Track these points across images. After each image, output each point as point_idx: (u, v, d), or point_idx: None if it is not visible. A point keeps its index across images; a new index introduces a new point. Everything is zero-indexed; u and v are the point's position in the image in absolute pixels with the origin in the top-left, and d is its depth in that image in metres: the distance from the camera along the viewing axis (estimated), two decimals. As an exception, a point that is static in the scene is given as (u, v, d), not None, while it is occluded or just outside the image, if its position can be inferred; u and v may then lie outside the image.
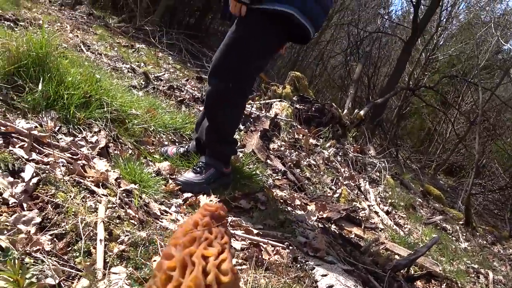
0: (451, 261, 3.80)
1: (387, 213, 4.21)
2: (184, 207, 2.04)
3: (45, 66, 2.20)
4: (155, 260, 1.40)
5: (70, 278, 1.23)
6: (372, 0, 15.15)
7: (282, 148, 4.06)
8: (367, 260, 2.38)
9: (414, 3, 10.98)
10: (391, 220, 3.99)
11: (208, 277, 0.59)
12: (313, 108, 5.52)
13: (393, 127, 13.32)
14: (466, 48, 14.34)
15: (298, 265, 1.88)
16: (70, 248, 1.32)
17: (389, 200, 4.80)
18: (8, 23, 3.92)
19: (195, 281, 0.59)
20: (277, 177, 3.24)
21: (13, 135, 1.69)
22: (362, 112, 7.36)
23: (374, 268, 2.32)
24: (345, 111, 7.29)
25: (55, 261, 1.25)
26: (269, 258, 1.84)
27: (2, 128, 1.70)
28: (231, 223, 2.03)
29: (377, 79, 13.82)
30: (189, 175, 2.33)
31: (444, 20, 13.99)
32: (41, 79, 2.15)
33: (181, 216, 1.91)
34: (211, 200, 2.17)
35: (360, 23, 14.02)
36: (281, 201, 2.75)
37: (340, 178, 4.27)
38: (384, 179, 5.30)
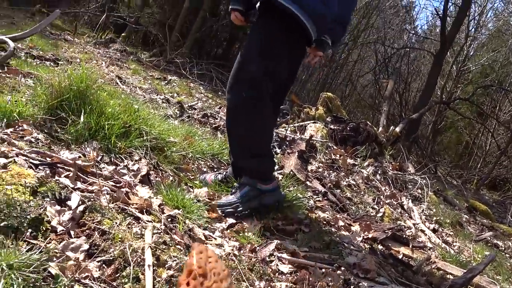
0: (509, 279, 3.55)
1: (434, 231, 4.01)
2: (228, 231, 2.00)
3: (86, 99, 2.26)
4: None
5: (121, 305, 1.20)
6: (397, 16, 15.10)
7: (320, 170, 3.98)
8: (421, 280, 2.25)
9: (441, 15, 10.85)
10: (439, 238, 3.80)
11: None
12: (348, 128, 5.43)
13: (429, 143, 12.96)
14: (498, 56, 13.94)
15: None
16: (118, 274, 1.30)
17: (434, 218, 4.59)
18: (49, 62, 4.11)
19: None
20: (317, 199, 3.16)
21: (58, 165, 1.72)
22: (398, 129, 7.19)
23: (429, 288, 2.18)
24: (380, 128, 7.15)
25: (104, 287, 1.23)
26: (319, 281, 1.76)
27: (48, 159, 1.74)
28: (277, 246, 1.97)
29: (409, 95, 13.59)
30: (225, 198, 2.30)
31: (473, 30, 13.72)
32: (83, 111, 2.20)
33: (226, 240, 1.87)
34: (255, 225, 2.12)
35: (387, 40, 13.93)
36: (324, 222, 2.66)
37: (382, 197, 4.13)
38: (427, 196, 5.09)
